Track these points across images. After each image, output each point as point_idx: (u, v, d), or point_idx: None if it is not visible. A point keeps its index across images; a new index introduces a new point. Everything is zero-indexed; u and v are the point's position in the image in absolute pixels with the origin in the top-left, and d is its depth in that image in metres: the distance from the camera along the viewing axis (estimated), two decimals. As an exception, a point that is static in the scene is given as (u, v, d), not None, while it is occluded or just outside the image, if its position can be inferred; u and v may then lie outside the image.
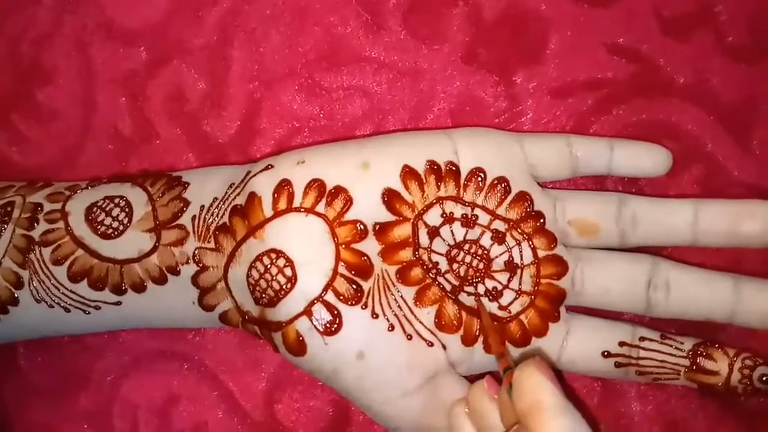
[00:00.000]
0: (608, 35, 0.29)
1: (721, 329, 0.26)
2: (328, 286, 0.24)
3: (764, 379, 0.24)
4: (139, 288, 0.26)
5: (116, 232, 0.26)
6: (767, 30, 0.28)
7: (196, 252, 0.25)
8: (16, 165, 0.32)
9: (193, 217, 0.26)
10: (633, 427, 0.27)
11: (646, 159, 0.26)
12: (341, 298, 0.24)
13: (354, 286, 0.24)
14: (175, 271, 0.25)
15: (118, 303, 0.26)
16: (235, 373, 0.29)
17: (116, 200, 0.27)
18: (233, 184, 0.26)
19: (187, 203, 0.26)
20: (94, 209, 0.27)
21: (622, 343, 0.25)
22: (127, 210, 0.26)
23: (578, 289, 0.25)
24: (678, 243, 0.25)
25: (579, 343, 0.25)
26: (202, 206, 0.26)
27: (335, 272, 0.24)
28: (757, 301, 0.24)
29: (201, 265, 0.25)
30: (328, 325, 0.23)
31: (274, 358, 0.29)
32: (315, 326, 0.23)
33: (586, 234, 0.26)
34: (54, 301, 0.26)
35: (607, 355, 0.25)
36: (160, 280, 0.26)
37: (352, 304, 0.24)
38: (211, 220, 0.25)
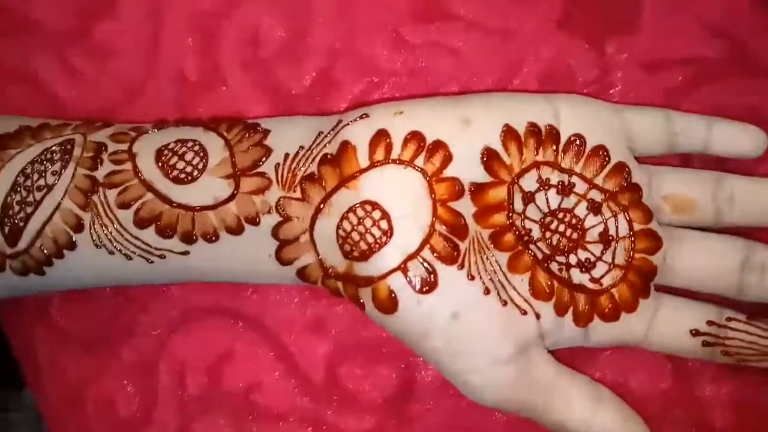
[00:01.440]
0: (704, 10, 0.28)
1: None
2: (426, 242, 0.23)
3: None
4: (212, 237, 0.24)
5: (190, 177, 0.25)
6: None
7: (280, 201, 0.24)
8: (69, 103, 0.30)
9: (277, 165, 0.24)
10: (705, 411, 0.27)
11: (745, 139, 0.25)
12: (438, 255, 0.23)
13: (451, 245, 0.23)
14: (254, 221, 0.24)
15: (186, 253, 0.25)
16: (296, 333, 0.28)
17: (189, 144, 0.25)
18: (322, 132, 0.24)
19: (269, 150, 0.25)
20: (165, 152, 0.25)
21: (710, 323, 0.24)
22: (201, 154, 0.25)
23: (669, 267, 0.25)
24: None
25: (667, 321, 0.25)
26: (287, 154, 0.24)
27: (433, 229, 0.23)
28: None
29: (285, 215, 0.24)
30: (423, 282, 0.22)
31: (339, 320, 0.28)
32: (410, 283, 0.22)
33: (681, 211, 0.25)
34: (115, 247, 0.25)
35: (695, 333, 0.24)
36: (237, 230, 0.24)
37: (448, 263, 0.23)
38: (297, 168, 0.24)
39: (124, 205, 0.25)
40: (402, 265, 0.23)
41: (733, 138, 0.25)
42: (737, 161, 0.27)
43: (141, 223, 0.25)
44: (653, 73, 0.28)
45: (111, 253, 0.25)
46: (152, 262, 0.25)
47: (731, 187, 0.25)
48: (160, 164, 0.25)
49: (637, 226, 0.25)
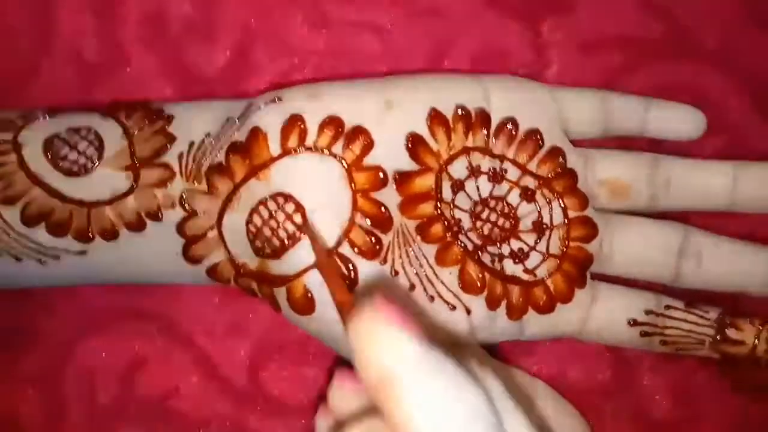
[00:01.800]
0: (640, -11, 0.27)
1: (737, 297, 0.25)
2: (344, 236, 0.21)
3: (791, 351, 0.23)
4: (110, 235, 0.22)
5: (83, 169, 0.22)
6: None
7: (184, 194, 0.22)
8: (-51, 86, 0.27)
9: (180, 155, 0.22)
10: (644, 401, 0.26)
11: (682, 120, 0.24)
12: (358, 250, 0.21)
13: (372, 239, 0.21)
14: (156, 216, 0.22)
15: (83, 252, 0.22)
16: (214, 335, 0.26)
17: (83, 132, 0.23)
18: (230, 118, 0.22)
19: (172, 138, 0.22)
20: (56, 142, 0.23)
21: (648, 311, 0.23)
22: (96, 144, 0.22)
23: (606, 255, 0.24)
24: (713, 207, 0.24)
25: (604, 311, 0.24)
26: (192, 142, 0.22)
27: (352, 221, 0.21)
28: None
29: (189, 209, 0.22)
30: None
31: (261, 319, 0.26)
32: None
33: (617, 196, 0.24)
34: (1, 247, 0.22)
35: (633, 323, 0.23)
36: (137, 227, 0.22)
37: (369, 259, 0.21)
38: (203, 158, 0.22)
39: (9, 201, 0.22)
40: (318, 262, 0.21)
41: (671, 120, 0.24)
42: (674, 143, 0.26)
43: (29, 220, 0.22)
44: (590, 54, 0.27)
45: (-3, 254, 0.22)
46: (45, 263, 0.23)
47: (667, 171, 0.24)
48: (49, 155, 0.22)
49: (572, 214, 0.23)
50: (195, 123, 0.22)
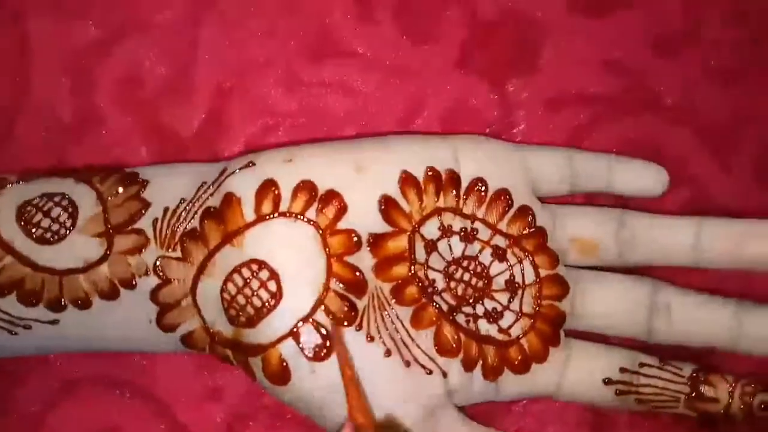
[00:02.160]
0: (602, 49, 0.28)
1: (709, 352, 0.25)
2: (319, 303, 0.21)
3: (763, 406, 0.23)
4: (83, 304, 0.22)
5: (56, 236, 0.22)
6: (749, 54, 0.28)
7: (159, 262, 0.22)
8: None
9: (155, 221, 0.22)
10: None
11: (645, 177, 0.25)
12: (333, 317, 0.21)
13: (347, 305, 0.21)
14: (130, 284, 0.22)
15: (55, 322, 0.22)
16: (189, 403, 0.25)
17: (56, 198, 0.23)
18: (205, 183, 0.22)
19: (146, 204, 0.22)
20: (28, 208, 0.22)
21: (622, 369, 0.24)
22: (70, 210, 0.22)
23: (578, 312, 0.24)
24: (679, 263, 0.24)
25: (579, 370, 0.24)
26: (166, 208, 0.22)
27: (327, 288, 0.21)
28: (760, 329, 0.23)
29: (164, 277, 0.22)
30: (317, 348, 0.21)
31: (236, 385, 0.25)
32: (302, 350, 0.20)
33: (586, 253, 0.25)
34: None
35: (608, 382, 0.23)
36: (110, 295, 0.22)
37: (345, 325, 0.21)
38: (177, 224, 0.22)
39: None
40: (293, 330, 0.21)
41: (634, 177, 0.25)
42: (640, 201, 0.26)
43: (0, 290, 0.22)
44: (556, 111, 0.27)
45: (-35, 326, 0.22)
46: (16, 333, 0.22)
47: (632, 228, 0.24)
48: (22, 222, 0.22)
49: (543, 272, 0.24)
50: (170, 188, 0.22)
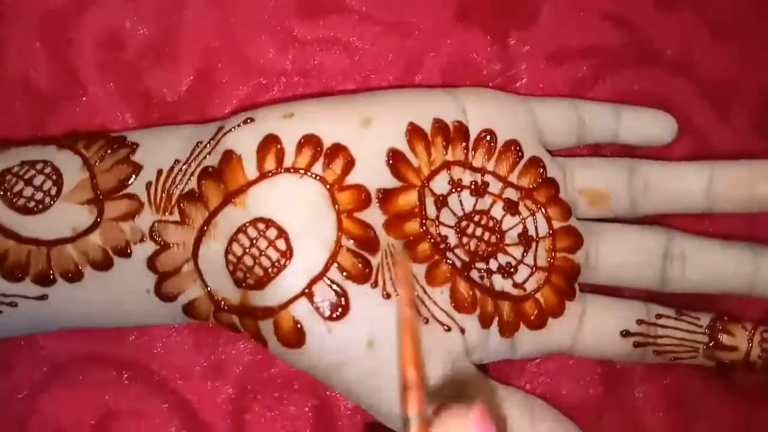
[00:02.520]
0: (602, 1, 0.27)
1: (719, 300, 0.25)
2: (332, 260, 0.20)
3: (783, 352, 0.23)
4: (74, 276, 0.20)
5: (41, 206, 0.20)
6: (748, 8, 0.28)
7: (155, 226, 0.20)
8: None
9: (148, 184, 0.21)
10: (637, 412, 0.26)
11: (654, 125, 0.24)
12: (347, 274, 0.20)
13: (361, 261, 0.20)
14: (125, 252, 0.20)
15: (43, 297, 0.21)
16: (192, 379, 0.24)
17: (38, 165, 0.21)
18: (200, 142, 0.21)
19: (137, 168, 0.21)
20: (8, 177, 0.21)
21: (639, 321, 0.23)
22: (54, 177, 0.21)
23: (592, 264, 0.23)
24: (691, 209, 0.24)
25: (596, 323, 0.23)
26: (160, 170, 0.21)
27: (338, 244, 0.20)
28: None
29: (161, 242, 0.20)
30: (333, 307, 0.19)
31: (240, 359, 0.24)
32: (317, 309, 0.19)
33: (597, 204, 0.24)
34: None
35: (625, 334, 0.23)
36: (103, 265, 0.20)
37: (360, 282, 0.20)
38: (173, 187, 0.21)
39: None
40: (306, 290, 0.19)
41: (643, 125, 0.24)
42: (646, 150, 0.26)
43: None
44: (558, 64, 0.27)
45: (-56, 305, 0.20)
46: (0, 312, 0.21)
47: (644, 176, 0.24)
48: (1, 192, 0.21)
49: (556, 224, 0.23)
50: (162, 150, 0.21)
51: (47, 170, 0.21)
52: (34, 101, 0.25)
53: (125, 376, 0.24)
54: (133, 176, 0.21)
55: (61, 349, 0.24)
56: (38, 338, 0.24)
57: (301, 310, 0.19)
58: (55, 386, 0.24)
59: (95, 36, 0.25)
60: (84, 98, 0.25)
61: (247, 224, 0.20)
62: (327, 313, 0.19)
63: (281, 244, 0.20)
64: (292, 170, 0.20)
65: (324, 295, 0.19)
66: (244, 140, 0.20)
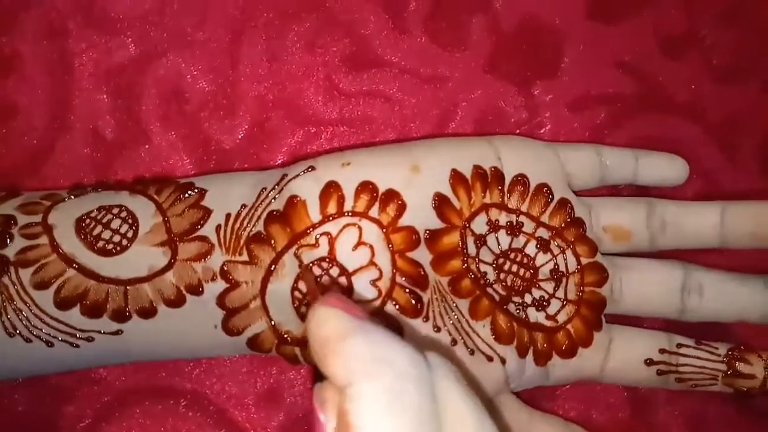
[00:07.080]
0: (616, 52, 0.29)
1: (732, 328, 0.27)
2: (387, 296, 0.22)
3: (796, 378, 0.25)
4: (148, 313, 0.22)
5: (118, 248, 0.22)
6: (748, 54, 0.30)
7: (225, 266, 0.22)
8: (-38, 170, 0.26)
9: (218, 227, 0.23)
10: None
11: (669, 168, 0.27)
12: (401, 309, 0.22)
13: (413, 297, 0.22)
14: (197, 290, 0.22)
15: (118, 332, 0.22)
16: (247, 407, 0.26)
17: (114, 210, 0.23)
18: (265, 188, 0.23)
19: (207, 212, 0.23)
20: (87, 221, 0.23)
21: (662, 350, 0.25)
22: (130, 221, 0.23)
23: (617, 297, 0.25)
24: (705, 245, 0.26)
25: (622, 352, 0.25)
26: (228, 214, 0.23)
27: (393, 282, 0.22)
28: None
29: (231, 280, 0.22)
30: None
31: (293, 386, 0.26)
32: None
33: (621, 240, 0.26)
34: (33, 333, 0.22)
35: (649, 362, 0.25)
36: (176, 302, 0.22)
37: (413, 317, 0.22)
38: (241, 229, 0.22)
39: (42, 285, 0.22)
40: (365, 324, 0.21)
41: (658, 168, 0.27)
42: (659, 189, 0.28)
43: (64, 303, 0.22)
44: (578, 111, 0.29)
45: (28, 341, 0.22)
46: (77, 346, 0.22)
47: (662, 214, 0.26)
48: (82, 235, 0.22)
49: (584, 260, 0.25)
50: (230, 195, 0.23)
51: (123, 214, 0.23)
52: (99, 148, 0.27)
53: (183, 404, 0.26)
54: (204, 220, 0.23)
55: (120, 380, 0.26)
56: (97, 369, 0.26)
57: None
58: (116, 415, 0.26)
59: (157, 89, 0.27)
60: (147, 146, 0.27)
61: (313, 263, 0.22)
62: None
63: (342, 280, 0.22)
64: (351, 214, 0.22)
65: None
66: (307, 186, 0.22)
